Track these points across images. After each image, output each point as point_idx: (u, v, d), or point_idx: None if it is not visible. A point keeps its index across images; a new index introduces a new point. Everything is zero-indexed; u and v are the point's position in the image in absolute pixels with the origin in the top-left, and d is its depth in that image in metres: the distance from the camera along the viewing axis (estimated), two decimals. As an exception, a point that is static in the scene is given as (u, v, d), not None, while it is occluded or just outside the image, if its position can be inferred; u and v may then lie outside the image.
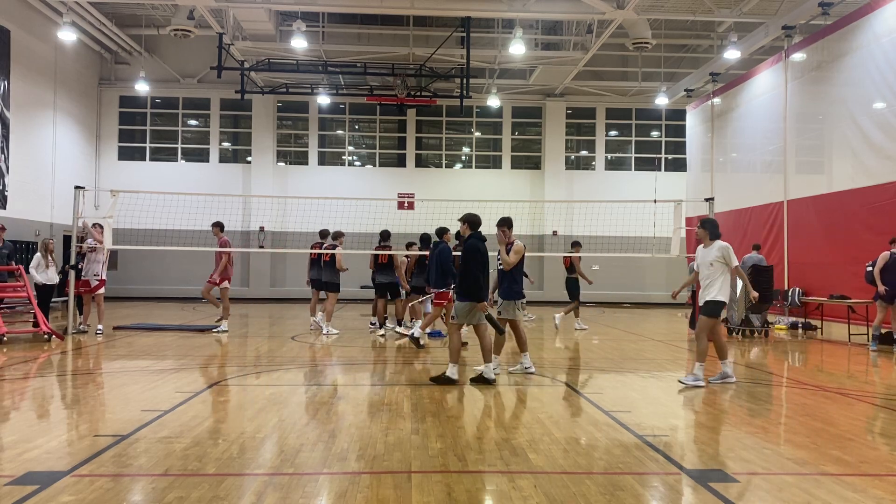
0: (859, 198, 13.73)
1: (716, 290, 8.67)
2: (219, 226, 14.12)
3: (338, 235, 14.24)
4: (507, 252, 9.13)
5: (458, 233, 9.99)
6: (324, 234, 14.71)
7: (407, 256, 14.15)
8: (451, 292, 11.24)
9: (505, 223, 9.11)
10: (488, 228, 8.96)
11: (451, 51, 22.17)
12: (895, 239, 12.14)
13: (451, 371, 8.46)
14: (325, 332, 13.98)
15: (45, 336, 12.16)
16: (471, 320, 8.61)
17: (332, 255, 13.84)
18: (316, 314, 14.80)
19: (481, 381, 8.48)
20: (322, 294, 14.55)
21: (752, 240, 17.38)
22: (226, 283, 14.13)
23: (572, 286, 15.75)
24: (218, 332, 13.99)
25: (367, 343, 12.88)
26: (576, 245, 15.88)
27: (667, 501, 4.54)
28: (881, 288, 12.01)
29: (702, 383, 8.52)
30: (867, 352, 12.15)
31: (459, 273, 8.72)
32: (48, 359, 10.51)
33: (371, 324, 14.94)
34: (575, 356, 11.74)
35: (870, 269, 12.25)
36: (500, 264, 9.19)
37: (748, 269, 15.00)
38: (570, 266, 15.76)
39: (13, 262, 14.16)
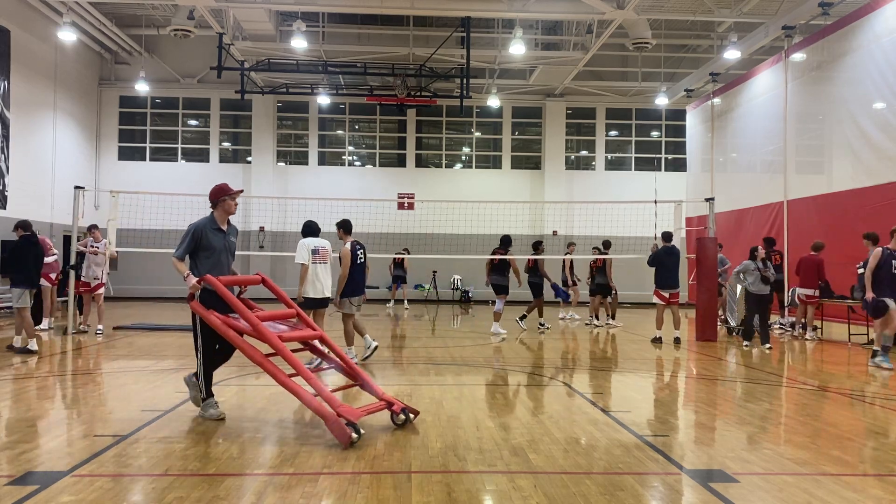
0: (859, 198, 13.71)
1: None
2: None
3: (507, 242, 14.78)
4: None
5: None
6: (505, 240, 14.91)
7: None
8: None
9: (341, 226, 10.44)
10: (490, 229, 8.96)
11: (451, 51, 22.15)
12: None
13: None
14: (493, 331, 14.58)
15: (400, 418, 6.22)
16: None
17: (503, 261, 14.42)
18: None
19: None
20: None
21: (753, 240, 17.33)
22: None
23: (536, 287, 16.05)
24: None
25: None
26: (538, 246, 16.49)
27: (667, 501, 4.54)
28: (869, 294, 10.26)
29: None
30: (867, 352, 12.10)
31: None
32: (47, 359, 10.51)
33: (540, 324, 15.56)
34: (575, 356, 11.74)
35: (861, 270, 11.00)
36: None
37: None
38: (534, 267, 15.82)
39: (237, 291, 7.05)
